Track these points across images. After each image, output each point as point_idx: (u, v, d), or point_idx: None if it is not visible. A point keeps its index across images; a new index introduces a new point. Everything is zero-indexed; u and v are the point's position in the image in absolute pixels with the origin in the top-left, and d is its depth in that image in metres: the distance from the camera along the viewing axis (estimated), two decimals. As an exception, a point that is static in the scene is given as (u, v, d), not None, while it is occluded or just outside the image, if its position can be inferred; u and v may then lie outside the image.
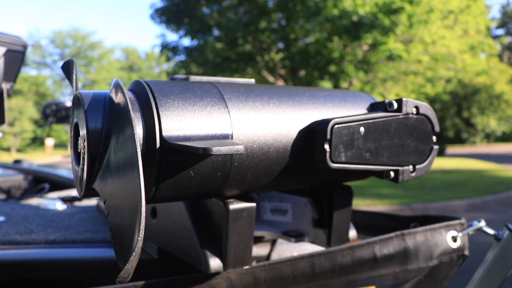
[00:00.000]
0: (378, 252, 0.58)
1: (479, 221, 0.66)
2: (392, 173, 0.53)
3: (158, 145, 0.40)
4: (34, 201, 1.18)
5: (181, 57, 11.19)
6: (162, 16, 10.28)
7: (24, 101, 29.24)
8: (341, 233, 0.58)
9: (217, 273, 0.50)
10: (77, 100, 0.42)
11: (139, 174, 0.32)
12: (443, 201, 6.31)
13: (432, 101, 19.04)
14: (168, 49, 10.78)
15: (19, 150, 29.47)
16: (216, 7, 10.12)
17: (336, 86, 9.91)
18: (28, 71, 33.10)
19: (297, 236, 0.62)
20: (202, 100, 0.43)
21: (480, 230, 0.65)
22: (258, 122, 0.46)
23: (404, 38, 9.14)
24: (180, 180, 0.42)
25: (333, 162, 0.47)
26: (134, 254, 0.31)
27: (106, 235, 0.77)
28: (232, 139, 0.43)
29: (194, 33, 10.35)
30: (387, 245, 0.59)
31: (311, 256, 0.54)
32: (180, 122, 0.41)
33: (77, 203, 1.13)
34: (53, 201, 1.11)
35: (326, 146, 0.46)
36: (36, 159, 19.64)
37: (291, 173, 0.49)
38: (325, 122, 0.47)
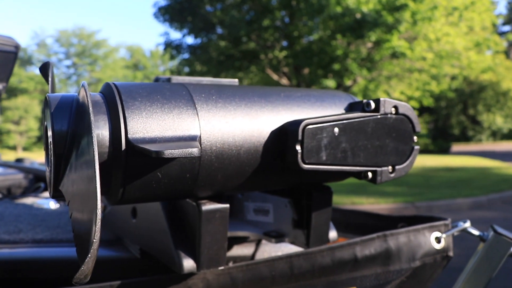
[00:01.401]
0: (359, 253, 0.57)
1: (464, 222, 0.65)
2: (370, 174, 0.52)
3: (123, 147, 0.40)
4: (29, 200, 1.18)
5: (185, 55, 11.20)
6: (166, 15, 10.29)
7: (29, 100, 29.45)
8: (320, 234, 0.58)
9: (193, 274, 0.50)
10: (46, 103, 0.42)
11: (95, 177, 0.32)
12: (448, 199, 6.28)
13: (437, 98, 18.94)
14: (172, 47, 10.79)
15: (25, 149, 29.69)
16: (219, 5, 10.11)
17: (340, 84, 9.88)
18: (33, 70, 33.36)
19: (277, 236, 0.61)
20: (170, 102, 0.44)
21: (465, 231, 0.64)
22: (228, 123, 0.46)
23: (408, 36, 9.09)
24: (148, 181, 0.42)
25: (305, 164, 0.46)
26: (89, 255, 0.31)
27: None
28: (200, 140, 0.43)
29: (197, 31, 10.36)
30: (369, 246, 0.58)
31: (290, 256, 0.54)
32: (147, 124, 0.41)
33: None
34: (47, 200, 1.12)
35: (298, 147, 0.46)
36: (41, 157, 19.75)
37: (264, 174, 0.49)
38: (297, 122, 0.46)
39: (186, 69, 11.71)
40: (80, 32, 34.05)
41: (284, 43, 10.37)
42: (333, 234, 0.63)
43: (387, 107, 0.52)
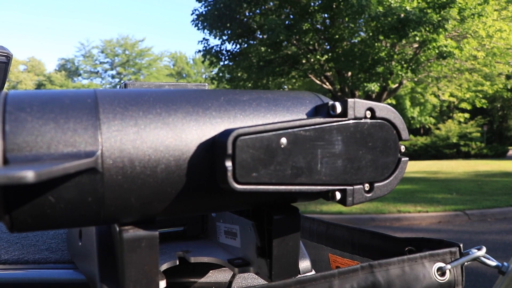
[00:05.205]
0: None
1: (479, 248, 0.52)
2: (338, 194, 0.42)
3: (1, 166, 0.33)
4: None
5: (225, 62, 11.27)
6: (205, 22, 10.38)
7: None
8: (286, 264, 0.48)
9: None
10: None
11: None
12: (504, 207, 5.85)
13: (491, 99, 17.89)
14: (211, 54, 10.88)
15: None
16: (258, 10, 10.10)
17: (384, 87, 9.54)
18: (80, 81, 35.15)
19: (241, 265, 0.52)
20: (67, 112, 0.36)
21: (477, 260, 0.52)
22: (141, 136, 0.37)
23: (456, 34, 8.64)
24: (39, 207, 0.34)
25: (239, 184, 0.36)
26: None
27: (63, 255, 0.71)
28: (102, 157, 0.35)
29: (236, 37, 10.39)
30: (350, 279, 0.47)
31: None
32: (31, 139, 0.34)
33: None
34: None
35: (228, 164, 0.36)
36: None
37: (194, 196, 0.40)
38: (227, 133, 0.37)
39: (228, 76, 11.80)
40: (124, 42, 35.16)
41: (326, 47, 10.20)
42: (305, 264, 0.52)
43: (359, 110, 0.41)
